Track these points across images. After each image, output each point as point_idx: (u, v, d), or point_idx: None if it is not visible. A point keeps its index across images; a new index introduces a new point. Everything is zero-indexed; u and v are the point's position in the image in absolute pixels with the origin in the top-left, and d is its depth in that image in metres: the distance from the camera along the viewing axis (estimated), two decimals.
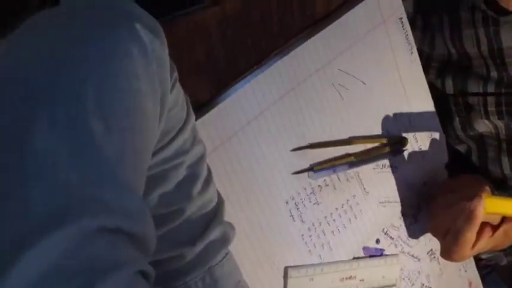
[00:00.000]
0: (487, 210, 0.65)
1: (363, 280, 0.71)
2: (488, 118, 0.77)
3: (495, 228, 0.69)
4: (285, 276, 0.64)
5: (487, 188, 0.69)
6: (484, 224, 0.67)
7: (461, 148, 0.87)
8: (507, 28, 0.70)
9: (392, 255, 0.74)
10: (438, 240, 0.72)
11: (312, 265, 0.66)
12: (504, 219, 0.69)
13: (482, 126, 0.80)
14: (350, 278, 0.70)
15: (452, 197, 0.69)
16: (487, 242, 0.68)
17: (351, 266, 0.69)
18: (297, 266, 0.65)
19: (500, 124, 0.77)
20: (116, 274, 0.30)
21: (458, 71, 0.79)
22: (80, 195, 0.31)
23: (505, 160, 0.80)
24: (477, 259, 0.88)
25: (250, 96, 0.59)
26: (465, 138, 0.84)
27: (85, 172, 0.31)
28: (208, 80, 0.57)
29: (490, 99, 0.76)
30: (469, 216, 0.65)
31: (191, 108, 0.47)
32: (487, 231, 0.68)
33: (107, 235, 0.31)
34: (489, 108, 0.77)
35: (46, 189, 0.30)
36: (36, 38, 0.37)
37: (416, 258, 0.78)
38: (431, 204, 0.73)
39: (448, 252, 0.68)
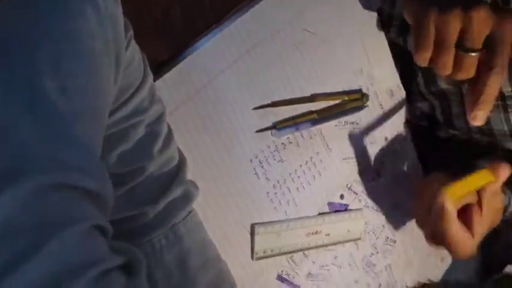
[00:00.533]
0: (455, 197, 0.63)
1: (328, 235, 0.72)
2: None
3: (480, 205, 0.67)
4: (252, 233, 0.65)
5: (441, 177, 0.68)
6: (468, 207, 0.66)
7: (425, 105, 0.88)
8: None
9: (357, 209, 0.76)
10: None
11: (278, 221, 0.68)
12: (479, 194, 0.67)
13: (443, 82, 0.81)
14: (316, 233, 0.71)
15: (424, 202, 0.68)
16: (482, 223, 0.67)
17: (317, 222, 0.71)
18: (264, 222, 0.66)
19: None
20: (71, 228, 0.30)
21: None
22: (35, 153, 0.31)
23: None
24: None
25: (211, 55, 0.59)
26: (428, 95, 0.85)
27: (40, 131, 0.32)
28: (166, 40, 0.56)
29: None
30: (442, 215, 0.63)
31: (148, 67, 0.47)
32: (476, 212, 0.66)
33: (62, 191, 0.31)
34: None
35: (0, 148, 0.30)
36: None
37: (380, 212, 0.80)
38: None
39: (456, 256, 0.66)
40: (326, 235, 0.72)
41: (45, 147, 0.31)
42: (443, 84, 0.81)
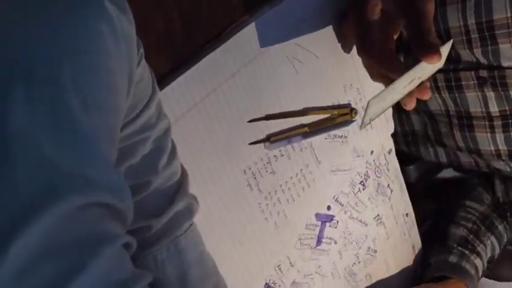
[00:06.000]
0: None
1: (420, 77, 0.65)
2: (439, 93, 0.81)
3: None
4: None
5: None
6: None
7: (418, 120, 0.90)
8: (452, 9, 0.73)
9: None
10: None
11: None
12: None
13: (433, 103, 0.83)
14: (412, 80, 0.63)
15: None
16: None
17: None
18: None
19: (449, 101, 0.81)
20: (108, 247, 0.31)
21: (410, 49, 0.82)
22: (66, 173, 0.31)
23: (457, 134, 0.84)
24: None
25: (208, 69, 0.60)
26: (421, 113, 0.88)
27: (68, 150, 0.32)
28: (167, 53, 0.57)
29: (439, 76, 0.80)
30: None
31: (156, 84, 0.48)
32: None
33: (96, 210, 0.32)
34: (439, 84, 0.80)
35: (33, 169, 0.30)
36: (4, 19, 0.36)
37: (363, 223, 0.83)
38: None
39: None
40: (418, 78, 0.65)
41: (73, 166, 0.32)
42: (431, 105, 0.84)
